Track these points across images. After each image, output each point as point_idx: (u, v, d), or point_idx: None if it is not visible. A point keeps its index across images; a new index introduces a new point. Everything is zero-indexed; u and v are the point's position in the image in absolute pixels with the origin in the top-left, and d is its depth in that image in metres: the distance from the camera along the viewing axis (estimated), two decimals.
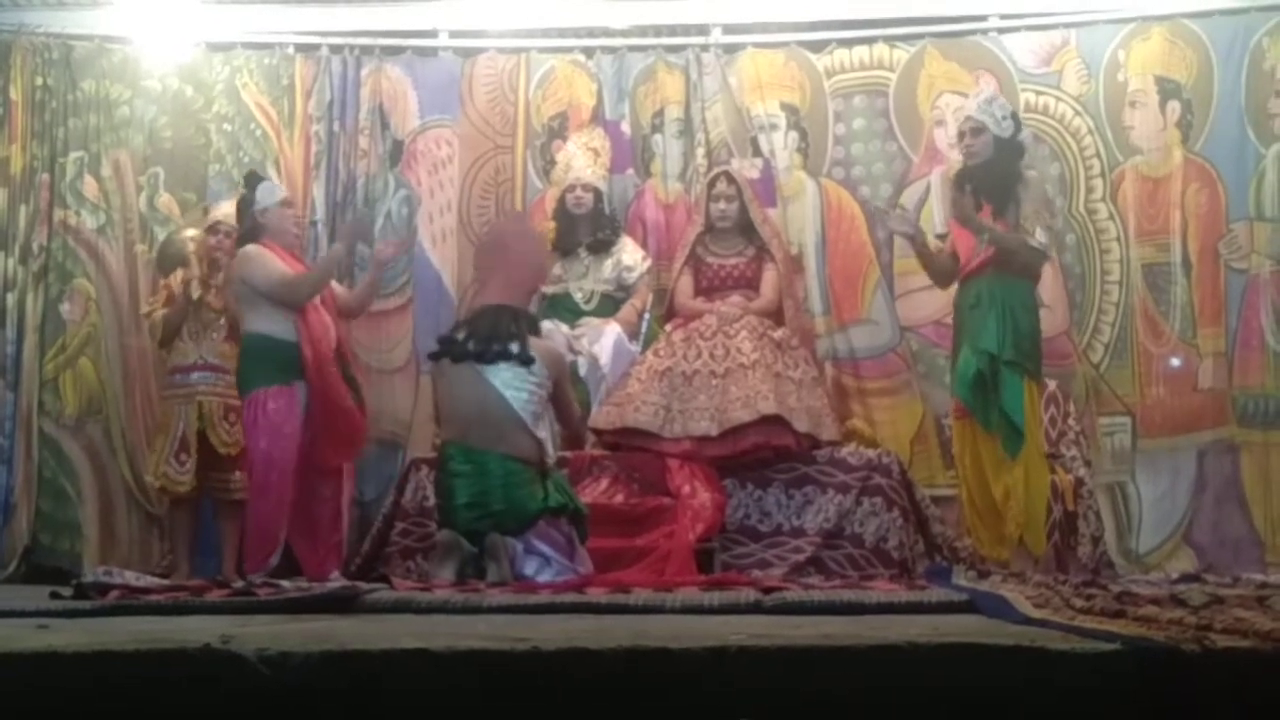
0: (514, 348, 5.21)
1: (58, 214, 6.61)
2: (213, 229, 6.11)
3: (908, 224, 5.89)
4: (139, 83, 6.75)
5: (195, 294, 6.02)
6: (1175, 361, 6.31)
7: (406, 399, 6.50)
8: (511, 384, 5.17)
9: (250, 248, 5.60)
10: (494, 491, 5.05)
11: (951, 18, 6.78)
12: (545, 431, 5.32)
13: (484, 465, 5.08)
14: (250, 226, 5.66)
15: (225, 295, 5.96)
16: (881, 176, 6.64)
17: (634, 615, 3.41)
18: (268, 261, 5.55)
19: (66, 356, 6.54)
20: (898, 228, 5.96)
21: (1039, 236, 5.44)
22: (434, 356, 5.43)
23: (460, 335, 5.34)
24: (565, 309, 6.30)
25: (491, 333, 5.25)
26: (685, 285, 6.30)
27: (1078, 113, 6.53)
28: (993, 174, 5.50)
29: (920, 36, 6.69)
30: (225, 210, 6.11)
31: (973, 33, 6.74)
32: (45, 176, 6.62)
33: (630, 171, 6.76)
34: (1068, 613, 3.01)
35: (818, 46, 6.76)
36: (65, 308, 6.57)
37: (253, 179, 5.82)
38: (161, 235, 6.58)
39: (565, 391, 5.47)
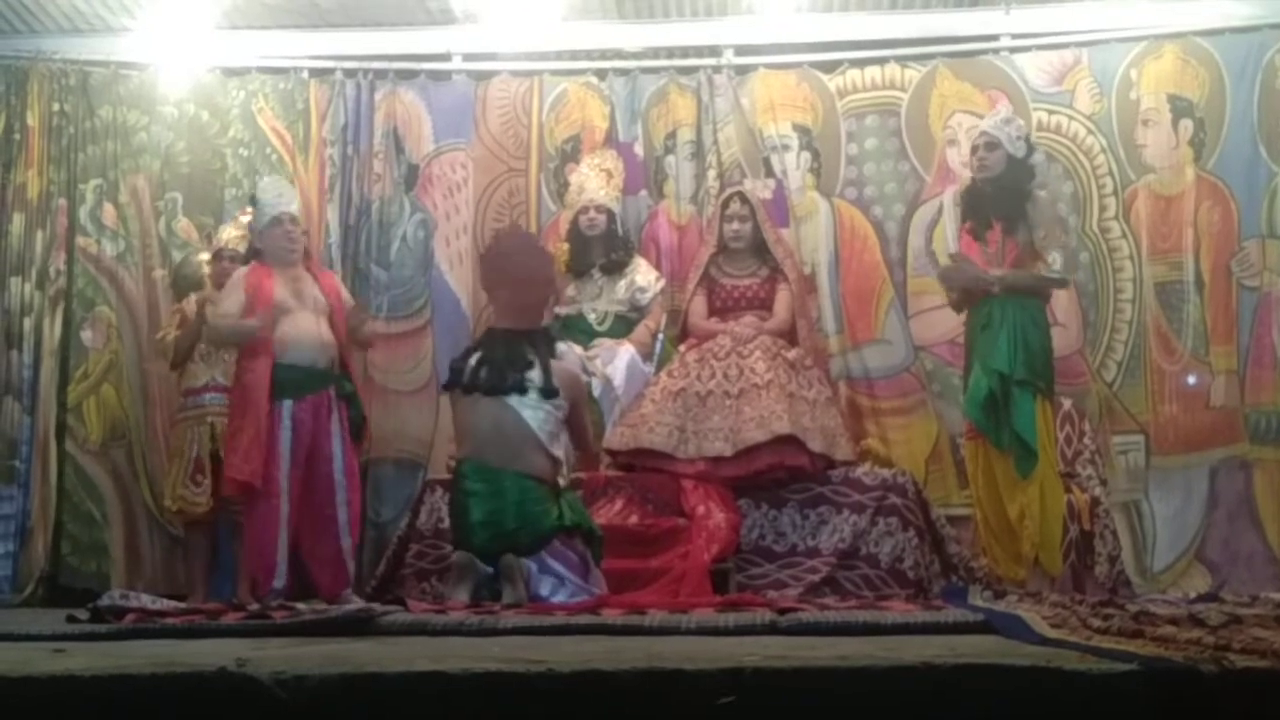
0: (533, 376, 5.17)
1: (78, 241, 6.66)
2: (217, 255, 6.14)
3: (966, 276, 5.55)
4: (155, 108, 6.80)
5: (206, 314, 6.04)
6: (1192, 379, 6.31)
7: (426, 420, 6.53)
8: (529, 405, 5.16)
9: (238, 271, 5.64)
10: (508, 510, 5.03)
11: (963, 38, 6.80)
12: (561, 450, 5.32)
13: (499, 484, 5.07)
14: (250, 250, 5.71)
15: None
16: (894, 196, 6.64)
17: (649, 636, 3.42)
18: (227, 295, 5.57)
19: (90, 384, 6.57)
20: (958, 280, 5.59)
21: (1053, 261, 5.42)
22: (448, 387, 5.38)
23: (473, 361, 5.27)
24: (579, 330, 6.30)
25: (507, 363, 5.21)
26: (699, 306, 6.29)
27: (1090, 131, 6.53)
28: (1002, 190, 5.49)
29: (932, 56, 6.71)
30: (228, 234, 6.13)
31: (984, 52, 6.75)
32: (62, 202, 6.67)
33: (643, 193, 6.78)
34: (1085, 633, 3.01)
35: (829, 67, 6.78)
36: (87, 335, 6.61)
37: (253, 199, 5.79)
38: (180, 259, 6.63)
39: (581, 413, 5.45)
